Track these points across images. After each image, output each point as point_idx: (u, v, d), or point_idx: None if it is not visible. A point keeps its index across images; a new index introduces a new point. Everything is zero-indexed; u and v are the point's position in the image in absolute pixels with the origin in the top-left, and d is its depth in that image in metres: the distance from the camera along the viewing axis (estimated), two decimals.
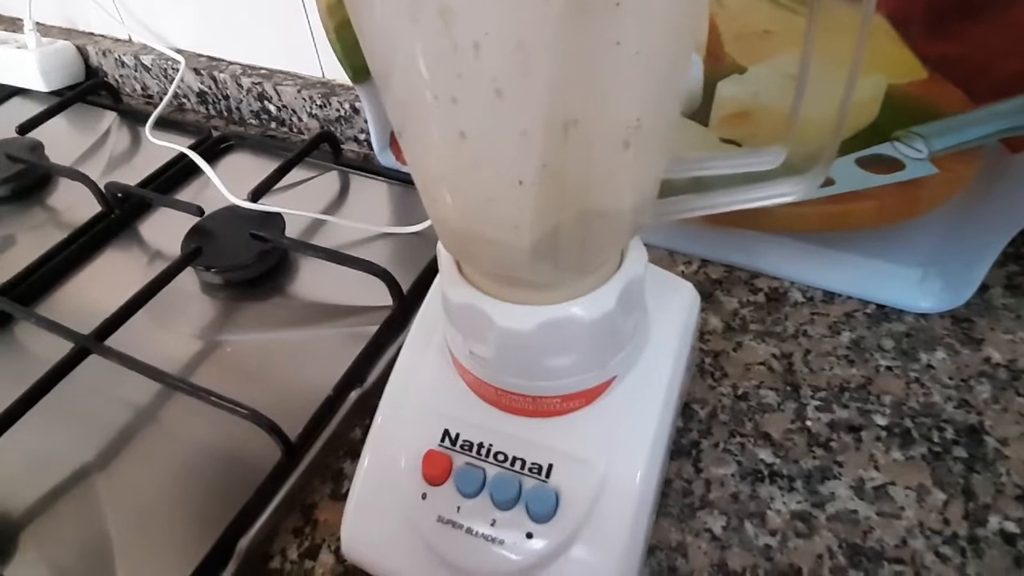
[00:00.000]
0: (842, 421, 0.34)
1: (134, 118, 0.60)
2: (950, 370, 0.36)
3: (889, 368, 0.36)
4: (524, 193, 0.20)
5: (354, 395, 0.37)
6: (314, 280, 0.45)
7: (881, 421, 0.34)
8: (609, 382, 0.28)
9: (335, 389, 0.36)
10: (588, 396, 0.28)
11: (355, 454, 0.35)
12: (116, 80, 0.66)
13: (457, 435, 0.29)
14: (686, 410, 0.35)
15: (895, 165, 0.35)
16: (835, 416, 0.34)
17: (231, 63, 0.59)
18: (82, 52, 0.65)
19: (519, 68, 0.17)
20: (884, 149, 0.35)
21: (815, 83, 0.22)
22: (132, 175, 0.53)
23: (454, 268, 0.27)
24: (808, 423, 0.34)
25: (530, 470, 0.27)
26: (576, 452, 0.27)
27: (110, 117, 0.61)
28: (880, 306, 0.39)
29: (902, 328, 0.38)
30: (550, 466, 0.27)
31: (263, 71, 0.57)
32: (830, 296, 0.40)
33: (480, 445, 0.28)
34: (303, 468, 0.34)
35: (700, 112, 0.39)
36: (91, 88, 0.61)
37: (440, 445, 0.29)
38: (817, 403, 0.35)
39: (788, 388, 0.36)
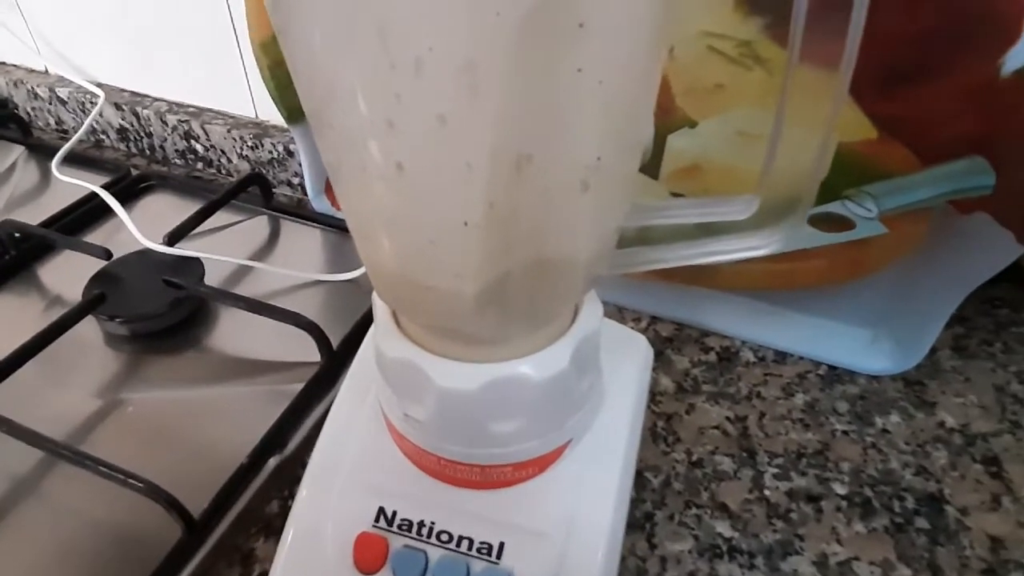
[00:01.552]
0: (801, 490, 0.32)
1: (44, 153, 0.55)
2: (906, 435, 0.34)
3: (845, 432, 0.35)
4: (469, 236, 0.18)
5: (272, 462, 0.33)
6: (235, 332, 0.41)
7: (841, 490, 0.32)
8: (564, 446, 0.26)
9: (250, 456, 0.32)
10: (542, 463, 0.25)
11: (271, 531, 0.31)
12: (28, 113, 0.61)
13: (394, 513, 0.25)
14: (638, 478, 0.33)
15: (845, 224, 0.35)
16: (793, 484, 0.32)
17: (156, 99, 0.55)
18: None
19: (465, 91, 0.15)
20: (834, 207, 0.34)
21: (785, 139, 0.21)
22: (38, 214, 0.48)
23: (390, 319, 0.24)
24: (766, 492, 0.32)
25: (479, 550, 0.24)
26: (531, 526, 0.24)
27: (17, 151, 0.56)
28: (832, 367, 0.38)
29: (855, 390, 0.37)
30: (501, 545, 0.24)
31: (191, 109, 0.54)
32: (782, 356, 0.39)
33: (421, 524, 0.25)
34: (208, 548, 0.30)
35: (650, 165, 0.37)
36: None
37: (374, 526, 0.25)
38: (774, 470, 0.33)
39: (744, 454, 0.34)
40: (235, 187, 0.46)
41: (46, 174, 0.54)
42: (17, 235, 0.44)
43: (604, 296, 0.42)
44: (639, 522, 0.31)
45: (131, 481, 0.29)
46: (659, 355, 0.39)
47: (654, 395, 0.37)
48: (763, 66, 0.33)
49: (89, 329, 0.40)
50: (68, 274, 0.44)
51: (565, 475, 0.26)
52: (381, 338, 0.24)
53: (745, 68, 0.33)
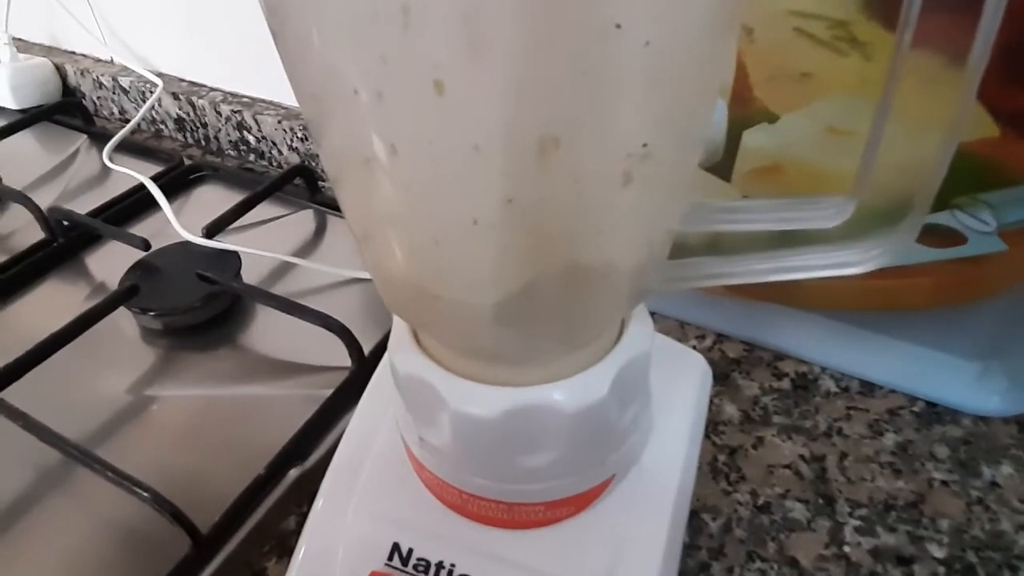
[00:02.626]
0: (888, 549, 0.27)
1: (105, 142, 0.55)
2: (1020, 490, 0.29)
3: (945, 483, 0.29)
4: (482, 237, 0.14)
5: (293, 474, 0.31)
6: (271, 331, 0.39)
7: (938, 552, 0.27)
8: (606, 483, 0.22)
9: (268, 467, 0.30)
10: (579, 502, 0.22)
11: (284, 550, 0.29)
12: (94, 102, 0.62)
13: (410, 551, 0.22)
14: (694, 520, 0.29)
15: (955, 238, 0.29)
16: (880, 542, 0.27)
17: (212, 89, 0.54)
18: (60, 71, 0.62)
19: (466, 49, 0.11)
20: (942, 218, 0.29)
21: (890, 134, 0.16)
22: (93, 203, 0.48)
23: (407, 330, 0.21)
24: (846, 549, 0.27)
25: None
26: (565, 574, 0.21)
27: (79, 139, 0.56)
28: (930, 403, 0.33)
29: (958, 433, 0.31)
30: None
31: (245, 99, 0.53)
32: (869, 387, 0.34)
33: (439, 565, 0.22)
34: (216, 565, 0.28)
35: (721, 165, 0.33)
36: (61, 108, 0.57)
37: (387, 564, 0.22)
38: (857, 523, 0.28)
39: (820, 501, 0.29)
40: (279, 180, 0.45)
41: (112, 163, 0.54)
42: (65, 223, 0.44)
43: (664, 310, 0.38)
44: (692, 572, 0.27)
45: (136, 489, 0.27)
46: (724, 378, 0.34)
47: (716, 424, 0.32)
48: (860, 50, 0.28)
49: (127, 321, 0.39)
50: (115, 264, 0.43)
51: (606, 516, 0.22)
52: (395, 350, 0.21)
53: (838, 53, 0.28)
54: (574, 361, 0.19)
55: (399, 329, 0.21)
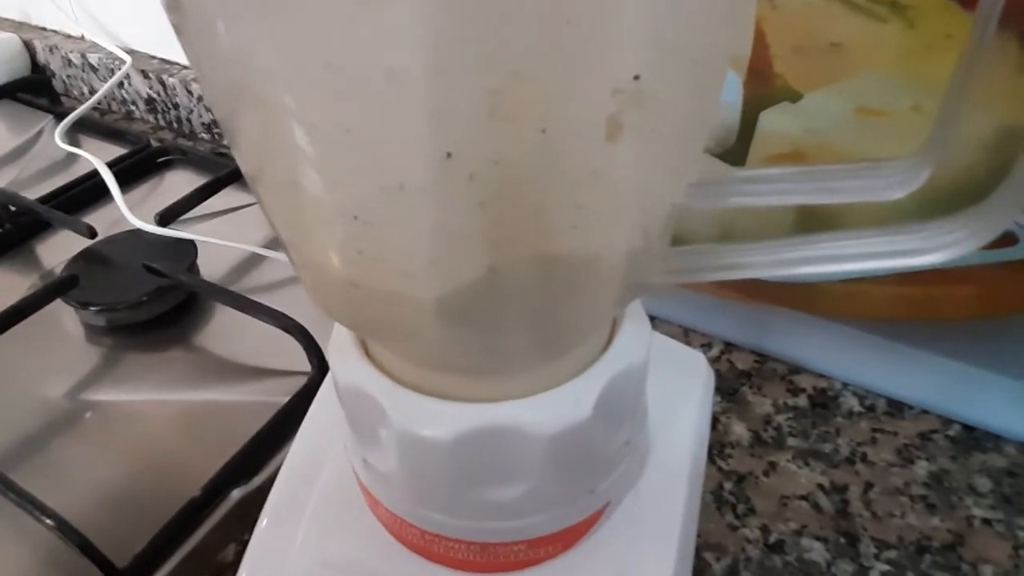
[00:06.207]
0: None
1: (72, 123, 0.52)
2: None
3: (987, 522, 0.25)
4: (413, 208, 0.10)
5: (236, 495, 0.27)
6: (228, 331, 0.35)
7: None
8: (598, 513, 0.18)
9: (205, 488, 0.26)
10: (566, 538, 0.18)
11: None
12: (64, 81, 0.58)
13: None
14: (694, 559, 0.25)
15: (1006, 238, 0.25)
16: None
17: (184, 67, 0.51)
18: (29, 48, 0.58)
19: None
20: None
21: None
22: (53, 187, 0.44)
23: (350, 334, 0.17)
24: None
25: None
26: None
27: (44, 120, 0.53)
28: (969, 427, 0.29)
29: (1002, 463, 0.27)
30: None
31: None
32: (897, 407, 0.30)
33: None
34: None
35: (734, 151, 0.29)
36: (25, 85, 0.54)
37: None
38: (884, 567, 0.24)
39: (842, 540, 0.25)
40: None
41: (73, 143, 0.50)
42: (12, 208, 0.40)
43: (664, 314, 0.34)
44: None
45: (38, 514, 0.23)
46: (732, 393, 0.30)
47: (722, 446, 0.28)
48: (902, 15, 0.24)
49: (69, 317, 0.35)
50: (68, 254, 0.40)
51: (601, 552, 0.18)
52: (334, 355, 0.17)
53: (876, 19, 0.25)
54: (550, 373, 0.15)
55: (340, 330, 0.17)
